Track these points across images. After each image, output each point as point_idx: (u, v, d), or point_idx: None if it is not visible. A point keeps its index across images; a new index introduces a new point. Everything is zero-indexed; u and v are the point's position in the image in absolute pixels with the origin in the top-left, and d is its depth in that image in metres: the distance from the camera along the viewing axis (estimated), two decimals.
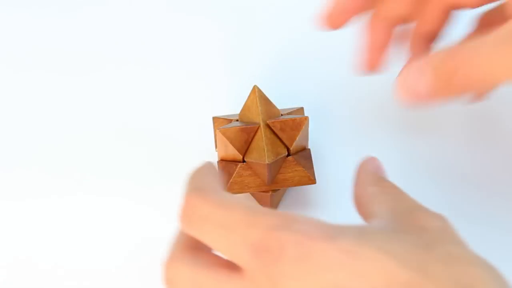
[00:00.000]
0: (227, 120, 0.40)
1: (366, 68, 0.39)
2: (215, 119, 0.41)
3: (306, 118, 0.38)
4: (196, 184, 0.29)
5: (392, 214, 0.29)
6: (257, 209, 0.27)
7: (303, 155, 0.39)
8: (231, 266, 0.28)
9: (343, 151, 0.43)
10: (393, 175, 0.33)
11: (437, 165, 0.43)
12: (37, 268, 0.40)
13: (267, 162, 0.37)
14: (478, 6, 0.38)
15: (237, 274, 0.27)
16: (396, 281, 0.25)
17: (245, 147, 0.38)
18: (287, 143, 0.38)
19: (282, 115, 0.40)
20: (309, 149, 0.40)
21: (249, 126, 0.38)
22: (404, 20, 0.39)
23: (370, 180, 0.32)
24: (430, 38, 0.40)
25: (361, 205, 0.32)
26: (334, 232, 0.26)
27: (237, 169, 0.38)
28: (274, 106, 0.39)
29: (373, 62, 0.39)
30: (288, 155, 0.39)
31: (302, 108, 0.42)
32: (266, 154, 0.37)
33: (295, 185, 0.39)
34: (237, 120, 0.40)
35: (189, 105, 0.45)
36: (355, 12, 0.38)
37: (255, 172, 0.38)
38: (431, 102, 0.34)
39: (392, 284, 0.25)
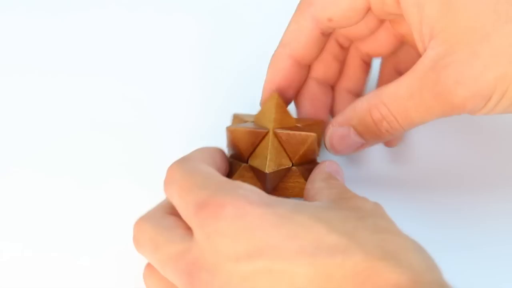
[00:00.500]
0: (243, 120, 0.40)
1: None
2: (235, 116, 0.41)
3: (313, 136, 0.37)
4: (184, 157, 0.33)
5: (331, 200, 0.31)
6: (215, 177, 0.30)
7: (309, 168, 0.38)
8: (189, 228, 0.30)
9: (353, 167, 0.43)
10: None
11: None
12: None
13: (266, 171, 0.36)
14: (390, 53, 0.40)
15: (190, 235, 0.30)
16: (325, 244, 0.27)
17: (250, 150, 0.38)
18: (290, 155, 0.37)
19: (297, 125, 0.38)
20: (317, 163, 0.39)
21: (257, 130, 0.37)
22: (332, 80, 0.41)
23: (320, 177, 0.35)
24: (356, 92, 0.41)
25: (308, 199, 0.34)
26: (273, 201, 0.28)
27: (239, 169, 0.38)
28: (290, 116, 0.39)
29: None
30: (293, 165, 0.38)
31: (322, 121, 0.40)
32: (267, 163, 0.36)
33: (294, 196, 0.38)
34: (252, 122, 0.39)
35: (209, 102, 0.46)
36: (294, 88, 0.39)
37: (256, 176, 0.38)
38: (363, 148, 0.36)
39: (320, 246, 0.27)
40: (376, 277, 0.26)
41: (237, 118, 0.41)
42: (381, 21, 0.38)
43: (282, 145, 0.37)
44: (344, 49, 0.40)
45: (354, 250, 0.27)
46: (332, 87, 0.41)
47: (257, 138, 0.37)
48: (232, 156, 0.39)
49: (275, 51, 0.38)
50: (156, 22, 0.50)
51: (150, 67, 0.48)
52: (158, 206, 0.33)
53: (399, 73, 0.40)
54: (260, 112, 0.39)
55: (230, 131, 0.38)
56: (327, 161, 0.36)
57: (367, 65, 0.41)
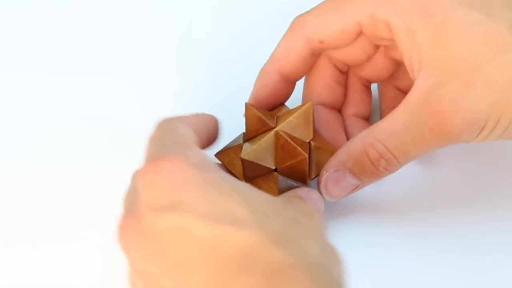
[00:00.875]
0: (275, 112, 0.39)
1: None
2: (283, 105, 0.40)
3: (304, 157, 0.36)
4: (176, 116, 0.34)
5: None
6: (182, 138, 0.31)
7: (292, 186, 0.37)
8: None
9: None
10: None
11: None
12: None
13: (241, 155, 0.36)
14: (388, 77, 0.40)
15: None
16: (233, 215, 0.28)
17: (253, 134, 0.38)
18: (278, 160, 0.37)
19: (309, 142, 0.38)
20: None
21: (266, 121, 0.37)
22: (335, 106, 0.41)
23: (288, 194, 0.36)
24: (363, 115, 0.41)
25: None
26: (210, 168, 0.30)
27: (234, 146, 0.38)
28: (308, 129, 0.37)
29: None
30: (276, 170, 0.37)
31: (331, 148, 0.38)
32: (248, 150, 0.37)
33: None
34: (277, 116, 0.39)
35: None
36: (280, 102, 0.39)
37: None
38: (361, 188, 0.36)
39: (228, 215, 0.28)
40: (258, 254, 0.27)
41: (279, 109, 0.40)
42: (377, 46, 0.38)
43: (276, 146, 0.37)
44: (344, 73, 0.40)
45: (251, 225, 0.28)
46: (339, 112, 0.41)
47: (262, 127, 0.37)
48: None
49: (264, 65, 0.39)
50: (139, 22, 0.49)
51: (139, 64, 0.47)
52: None
53: (398, 89, 0.41)
54: (289, 112, 0.38)
55: (247, 107, 0.38)
56: (307, 189, 0.36)
57: (368, 89, 0.41)
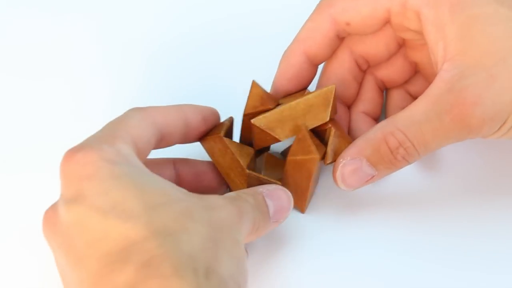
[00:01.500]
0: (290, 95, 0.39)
1: None
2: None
3: (316, 158, 0.36)
4: (142, 108, 0.34)
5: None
6: (115, 131, 0.32)
7: (258, 179, 0.37)
8: None
9: None
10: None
11: None
12: None
13: (252, 121, 0.37)
14: (403, 82, 0.40)
15: None
16: (122, 207, 0.29)
17: (250, 110, 0.38)
18: (289, 152, 0.37)
19: (331, 127, 0.37)
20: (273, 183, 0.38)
21: (266, 101, 0.38)
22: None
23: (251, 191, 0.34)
24: (373, 115, 0.41)
25: None
26: (121, 162, 0.30)
27: (215, 135, 0.38)
28: (325, 111, 0.37)
29: None
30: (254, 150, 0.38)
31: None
32: (227, 123, 0.38)
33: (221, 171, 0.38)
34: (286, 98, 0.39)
35: None
36: (302, 84, 0.39)
37: None
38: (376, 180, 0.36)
39: (117, 207, 0.29)
40: (138, 244, 0.28)
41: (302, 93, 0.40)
42: (399, 45, 0.39)
43: (295, 139, 0.37)
44: (362, 71, 0.41)
45: (139, 221, 0.28)
46: (348, 108, 0.41)
47: (262, 105, 0.38)
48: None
49: (289, 46, 0.38)
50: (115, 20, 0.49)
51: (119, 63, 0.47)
52: None
53: (408, 93, 0.41)
54: (311, 92, 0.38)
55: (253, 84, 0.38)
56: (276, 186, 0.36)
57: (381, 91, 0.42)
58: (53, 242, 0.31)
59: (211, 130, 0.38)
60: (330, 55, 0.39)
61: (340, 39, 0.38)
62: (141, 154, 0.33)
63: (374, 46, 0.38)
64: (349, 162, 0.35)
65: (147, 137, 0.33)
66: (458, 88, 0.32)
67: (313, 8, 0.38)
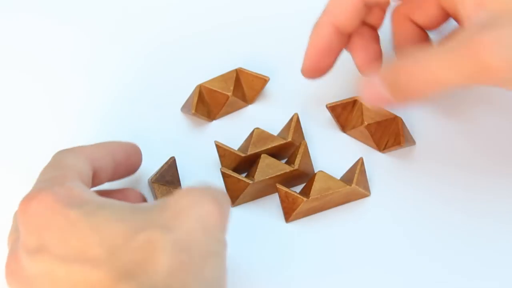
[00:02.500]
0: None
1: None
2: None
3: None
4: (75, 148, 0.35)
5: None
6: (60, 171, 0.32)
7: None
8: None
9: None
10: None
11: None
12: None
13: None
14: (433, 27, 0.39)
15: None
16: (87, 254, 0.29)
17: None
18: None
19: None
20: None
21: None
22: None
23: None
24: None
25: None
26: (78, 202, 0.30)
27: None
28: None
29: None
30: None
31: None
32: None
33: None
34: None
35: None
36: (334, 55, 0.39)
37: None
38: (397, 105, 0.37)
39: (82, 255, 0.29)
40: None
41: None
42: None
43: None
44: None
45: (103, 265, 0.29)
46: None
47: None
48: None
49: (318, 18, 0.39)
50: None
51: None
52: None
53: (412, 21, 0.40)
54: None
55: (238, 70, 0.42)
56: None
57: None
58: None
59: None
60: (359, 25, 0.39)
61: (368, 7, 0.38)
62: None
63: None
64: (371, 80, 0.36)
65: (87, 172, 0.34)
66: (485, 29, 0.31)
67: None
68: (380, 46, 0.40)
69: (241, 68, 0.42)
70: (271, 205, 0.40)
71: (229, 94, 0.41)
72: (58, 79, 0.45)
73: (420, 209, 0.40)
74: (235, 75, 0.42)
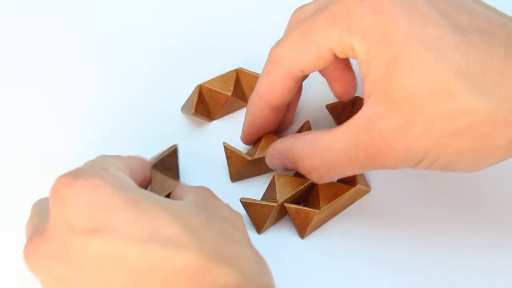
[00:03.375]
0: None
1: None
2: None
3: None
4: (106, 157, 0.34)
5: (194, 200, 0.32)
6: (103, 164, 0.31)
7: None
8: None
9: None
10: None
11: None
12: None
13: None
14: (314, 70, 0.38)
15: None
16: (162, 234, 0.27)
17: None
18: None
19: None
20: None
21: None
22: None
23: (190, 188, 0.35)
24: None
25: (172, 198, 0.35)
26: (128, 187, 0.29)
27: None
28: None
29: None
30: None
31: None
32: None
33: None
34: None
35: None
36: (272, 127, 0.40)
37: None
38: None
39: (156, 235, 0.27)
40: (205, 275, 0.27)
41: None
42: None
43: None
44: (303, 78, 0.39)
45: (189, 246, 0.27)
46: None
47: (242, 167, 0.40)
48: None
49: (251, 99, 0.39)
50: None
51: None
52: None
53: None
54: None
55: (238, 72, 0.43)
56: (275, 152, 0.38)
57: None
58: (53, 276, 0.29)
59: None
60: (292, 97, 0.39)
61: (301, 80, 0.38)
62: None
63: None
64: (277, 155, 0.38)
65: (126, 174, 0.32)
66: (376, 128, 0.32)
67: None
68: (353, 73, 0.40)
69: (241, 68, 0.42)
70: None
71: (229, 94, 0.41)
72: (58, 79, 0.45)
73: (422, 193, 0.40)
74: (235, 75, 0.42)
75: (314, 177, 0.36)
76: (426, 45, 0.31)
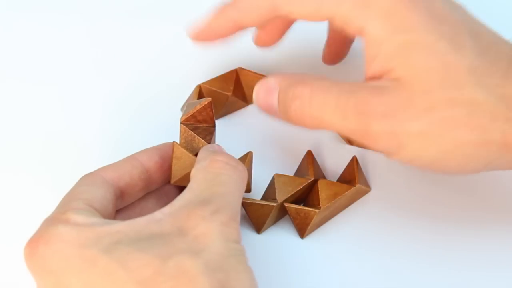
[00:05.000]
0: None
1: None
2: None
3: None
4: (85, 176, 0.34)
5: (181, 203, 0.30)
6: (64, 205, 0.31)
7: None
8: None
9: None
10: None
11: None
12: None
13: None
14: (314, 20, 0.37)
15: None
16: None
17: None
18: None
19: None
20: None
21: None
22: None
23: (203, 155, 0.34)
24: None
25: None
26: (86, 240, 0.29)
27: None
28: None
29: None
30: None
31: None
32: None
33: None
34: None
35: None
36: (224, 35, 0.38)
37: None
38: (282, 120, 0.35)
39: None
40: None
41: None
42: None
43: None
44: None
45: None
46: None
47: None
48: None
49: (222, 4, 0.37)
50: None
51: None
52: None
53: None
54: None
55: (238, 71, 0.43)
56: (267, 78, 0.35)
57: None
58: None
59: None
60: (259, 28, 0.38)
61: (279, 20, 0.37)
62: (104, 214, 0.32)
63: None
64: (269, 81, 0.35)
65: (102, 195, 0.32)
66: (376, 99, 0.32)
67: None
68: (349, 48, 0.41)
69: (241, 68, 0.42)
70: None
71: (229, 94, 0.41)
72: (59, 80, 0.45)
73: (422, 192, 0.40)
74: (235, 75, 0.42)
75: (294, 106, 0.33)
76: (446, 37, 0.32)
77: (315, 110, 0.33)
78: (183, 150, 0.36)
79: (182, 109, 0.43)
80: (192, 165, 0.34)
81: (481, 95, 0.31)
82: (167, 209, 0.30)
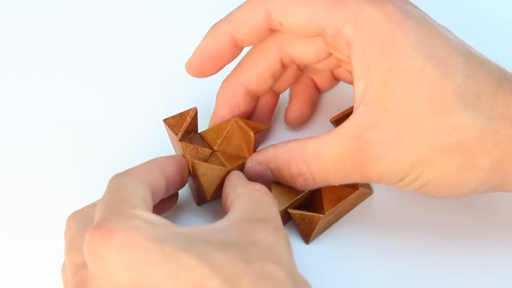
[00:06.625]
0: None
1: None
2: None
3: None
4: (127, 170, 0.34)
5: (239, 218, 0.31)
6: (128, 197, 0.30)
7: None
8: None
9: None
10: None
11: None
12: None
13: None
14: (315, 62, 0.39)
15: None
16: (205, 287, 0.27)
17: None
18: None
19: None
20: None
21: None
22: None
23: (242, 182, 0.35)
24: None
25: (225, 204, 0.35)
26: (165, 235, 0.28)
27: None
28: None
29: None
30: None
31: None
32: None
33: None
34: None
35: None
36: (222, 63, 0.38)
37: None
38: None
39: None
40: None
41: None
42: (329, 55, 0.38)
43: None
44: (284, 67, 0.40)
45: None
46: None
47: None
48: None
49: (217, 22, 0.38)
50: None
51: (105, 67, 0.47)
52: (92, 203, 0.34)
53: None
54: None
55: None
56: (254, 164, 0.37)
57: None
58: None
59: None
60: (256, 43, 0.38)
61: (272, 31, 0.37)
62: None
63: (303, 49, 0.38)
64: (255, 167, 0.37)
65: (149, 198, 0.32)
66: (365, 138, 0.32)
67: None
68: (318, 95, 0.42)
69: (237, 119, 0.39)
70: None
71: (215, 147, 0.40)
72: (59, 81, 0.45)
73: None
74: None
75: (299, 183, 0.36)
76: (433, 62, 0.32)
77: (319, 181, 0.35)
78: (206, 164, 0.36)
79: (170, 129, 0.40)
80: (219, 176, 0.36)
81: (468, 120, 0.31)
82: (225, 221, 0.31)
